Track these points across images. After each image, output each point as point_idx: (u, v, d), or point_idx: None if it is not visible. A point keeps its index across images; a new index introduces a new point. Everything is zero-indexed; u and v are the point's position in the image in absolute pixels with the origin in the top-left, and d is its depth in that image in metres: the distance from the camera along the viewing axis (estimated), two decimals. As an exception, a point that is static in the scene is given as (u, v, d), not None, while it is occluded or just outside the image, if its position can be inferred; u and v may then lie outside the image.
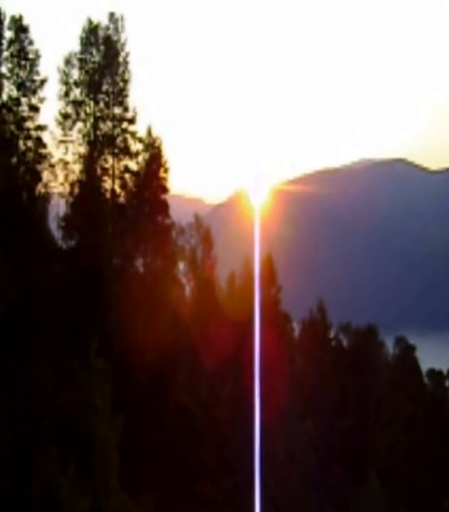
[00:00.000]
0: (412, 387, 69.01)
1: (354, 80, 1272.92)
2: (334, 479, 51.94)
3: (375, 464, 55.53)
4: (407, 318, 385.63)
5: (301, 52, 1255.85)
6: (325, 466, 51.57)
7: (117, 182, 48.80)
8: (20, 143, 45.30)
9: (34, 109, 45.71)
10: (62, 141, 47.25)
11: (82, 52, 48.19)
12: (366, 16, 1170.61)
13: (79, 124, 47.85)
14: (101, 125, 48.56)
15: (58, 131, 47.19)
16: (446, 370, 74.96)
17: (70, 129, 47.52)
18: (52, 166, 46.51)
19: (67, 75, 47.86)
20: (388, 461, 58.25)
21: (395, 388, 68.39)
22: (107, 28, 48.74)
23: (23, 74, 45.43)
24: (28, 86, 45.52)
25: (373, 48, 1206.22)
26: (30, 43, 45.61)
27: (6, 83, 45.34)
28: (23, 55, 45.41)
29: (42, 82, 46.06)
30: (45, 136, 46.38)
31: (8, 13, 45.35)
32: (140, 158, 49.43)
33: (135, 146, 49.32)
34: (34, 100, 45.70)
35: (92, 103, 48.32)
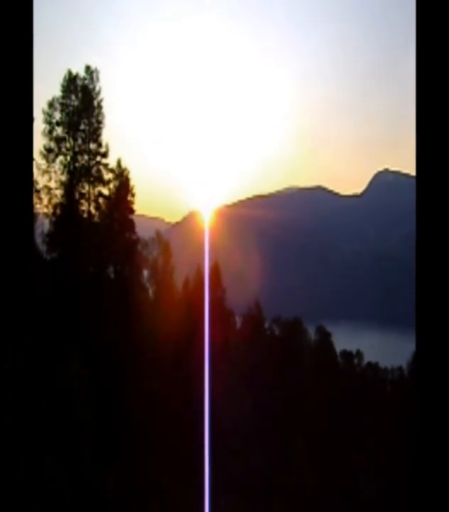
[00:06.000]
0: (328, 366, 70.39)
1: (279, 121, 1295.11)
2: (269, 443, 51.94)
3: (301, 429, 56.15)
4: (325, 310, 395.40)
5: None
6: (262, 432, 51.54)
7: (92, 205, 47.61)
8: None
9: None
10: (46, 171, 45.70)
11: (63, 98, 46.90)
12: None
13: (61, 157, 46.47)
14: (79, 158, 47.24)
15: (43, 163, 45.73)
16: (355, 351, 77.03)
17: (53, 161, 46.04)
18: (38, 191, 44.98)
19: (50, 116, 46.45)
20: (311, 427, 58.91)
21: (315, 367, 69.57)
22: (84, 79, 47.71)
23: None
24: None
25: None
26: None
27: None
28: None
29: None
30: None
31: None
32: (111, 185, 48.47)
33: (107, 176, 48.33)
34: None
35: (71, 140, 46.98)
